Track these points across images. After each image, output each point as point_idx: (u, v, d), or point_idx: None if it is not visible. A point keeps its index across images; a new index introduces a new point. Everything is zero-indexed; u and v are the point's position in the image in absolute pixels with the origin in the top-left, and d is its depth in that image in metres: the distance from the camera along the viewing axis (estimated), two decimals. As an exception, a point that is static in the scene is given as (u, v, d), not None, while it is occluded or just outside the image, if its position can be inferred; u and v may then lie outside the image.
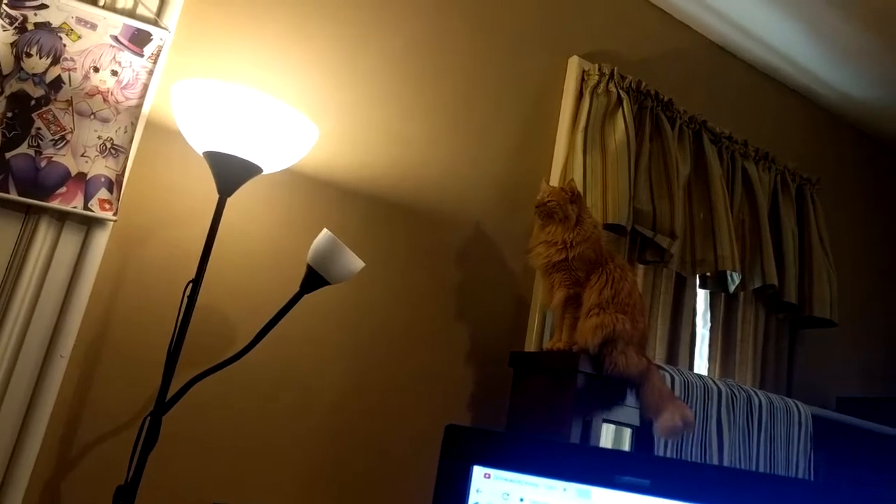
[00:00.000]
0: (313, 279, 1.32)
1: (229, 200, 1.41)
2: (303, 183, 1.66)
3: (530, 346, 1.89)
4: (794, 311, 2.41)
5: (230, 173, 1.32)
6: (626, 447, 1.66)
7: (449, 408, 1.78)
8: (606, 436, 1.65)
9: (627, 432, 1.67)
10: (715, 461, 1.68)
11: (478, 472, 1.19)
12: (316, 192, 1.68)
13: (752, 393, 1.85)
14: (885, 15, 2.31)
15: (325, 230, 1.34)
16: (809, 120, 2.81)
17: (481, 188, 1.93)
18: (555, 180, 2.01)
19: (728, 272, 2.23)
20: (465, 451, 1.20)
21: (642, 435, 1.60)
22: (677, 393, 1.68)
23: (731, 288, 2.26)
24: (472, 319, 1.86)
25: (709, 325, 2.31)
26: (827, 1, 2.27)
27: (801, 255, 2.43)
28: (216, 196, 1.35)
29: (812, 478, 1.88)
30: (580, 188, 1.83)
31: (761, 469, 1.77)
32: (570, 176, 1.93)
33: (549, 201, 1.68)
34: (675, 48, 2.40)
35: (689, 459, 1.63)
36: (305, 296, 1.35)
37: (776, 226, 2.39)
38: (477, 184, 1.93)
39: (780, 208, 2.42)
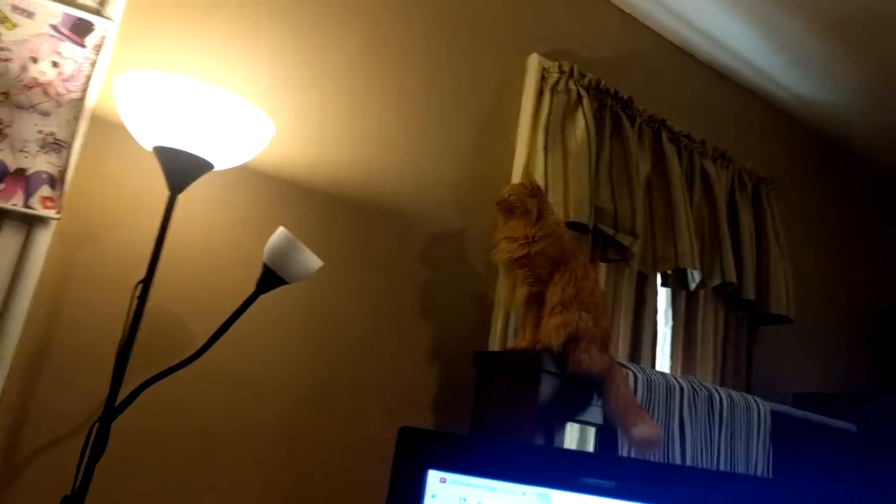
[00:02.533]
0: (270, 278, 1.28)
1: (181, 198, 1.35)
2: (258, 181, 1.61)
3: (494, 345, 1.87)
4: (752, 309, 2.44)
5: (180, 169, 1.27)
6: (591, 446, 1.65)
7: (412, 410, 1.74)
8: (571, 435, 1.64)
9: (592, 431, 1.66)
10: (678, 459, 1.69)
11: (433, 476, 1.13)
12: (272, 190, 1.63)
13: (714, 390, 1.86)
14: (838, 22, 2.36)
15: (281, 228, 1.29)
16: (766, 121, 2.86)
17: (442, 186, 1.90)
18: (516, 180, 1.99)
19: (688, 270, 2.25)
20: (419, 454, 1.15)
21: (606, 434, 1.59)
22: (640, 392, 1.67)
23: (692, 286, 2.28)
24: (435, 319, 1.83)
25: (670, 323, 2.33)
26: (783, 6, 2.31)
27: (758, 253, 2.46)
28: (167, 193, 1.30)
29: (770, 473, 1.90)
30: (542, 186, 1.82)
31: (721, 465, 1.78)
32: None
33: (508, 196, 1.67)
34: (634, 48, 2.41)
35: (652, 458, 1.62)
36: (262, 296, 1.30)
37: (734, 224, 2.42)
38: (438, 181, 1.90)
39: (738, 207, 2.45)
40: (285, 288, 1.33)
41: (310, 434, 1.61)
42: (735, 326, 2.47)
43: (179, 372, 1.26)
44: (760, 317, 2.47)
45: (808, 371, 2.76)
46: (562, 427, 1.54)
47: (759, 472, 1.87)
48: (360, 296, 1.72)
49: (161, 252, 1.28)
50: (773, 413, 1.98)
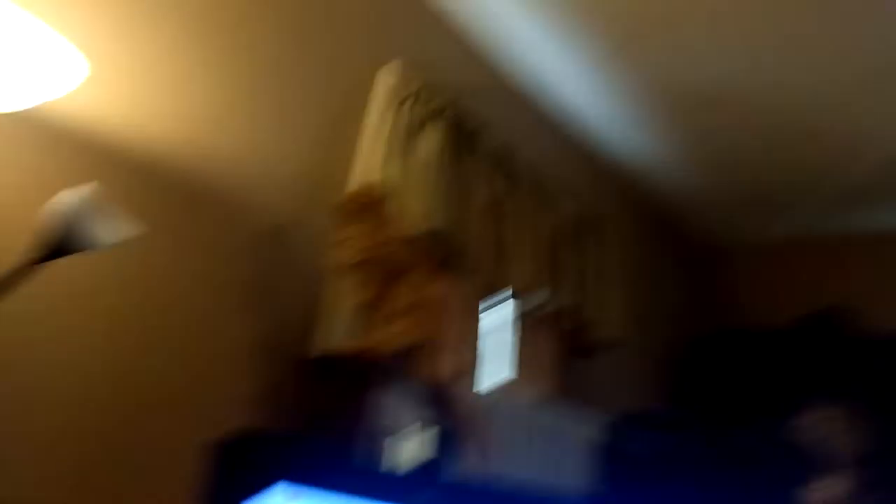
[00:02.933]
0: (52, 246, 1.06)
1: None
2: (55, 134, 1.34)
3: (328, 347, 1.72)
4: (582, 333, 2.56)
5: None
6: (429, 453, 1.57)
7: (229, 417, 1.53)
8: (407, 443, 1.55)
9: (428, 437, 1.58)
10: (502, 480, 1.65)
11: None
12: (72, 147, 1.36)
13: (540, 411, 1.89)
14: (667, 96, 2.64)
15: (70, 190, 1.08)
16: (598, 170, 3.07)
17: (281, 172, 1.76)
18: (360, 181, 1.91)
19: (526, 294, 2.30)
20: (263, 465, 0.85)
21: (446, 440, 1.52)
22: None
23: (528, 309, 2.34)
24: (265, 316, 1.66)
25: (507, 340, 2.38)
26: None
27: (596, 281, 2.61)
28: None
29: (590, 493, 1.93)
30: (386, 193, 1.77)
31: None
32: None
33: (355, 196, 1.65)
34: (487, 76, 2.47)
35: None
36: (53, 276, 1.08)
37: (572, 253, 2.55)
38: (277, 166, 1.75)
39: (581, 237, 2.60)
40: (79, 265, 1.12)
41: (102, 443, 1.35)
42: (568, 349, 2.57)
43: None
44: (591, 341, 2.59)
45: (633, 392, 2.97)
46: (398, 433, 1.44)
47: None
48: (175, 282, 1.50)
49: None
50: (594, 434, 2.03)
